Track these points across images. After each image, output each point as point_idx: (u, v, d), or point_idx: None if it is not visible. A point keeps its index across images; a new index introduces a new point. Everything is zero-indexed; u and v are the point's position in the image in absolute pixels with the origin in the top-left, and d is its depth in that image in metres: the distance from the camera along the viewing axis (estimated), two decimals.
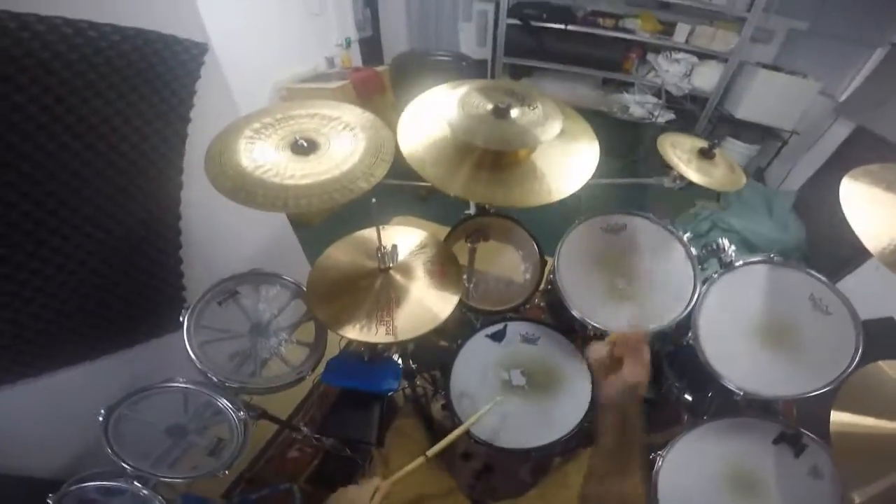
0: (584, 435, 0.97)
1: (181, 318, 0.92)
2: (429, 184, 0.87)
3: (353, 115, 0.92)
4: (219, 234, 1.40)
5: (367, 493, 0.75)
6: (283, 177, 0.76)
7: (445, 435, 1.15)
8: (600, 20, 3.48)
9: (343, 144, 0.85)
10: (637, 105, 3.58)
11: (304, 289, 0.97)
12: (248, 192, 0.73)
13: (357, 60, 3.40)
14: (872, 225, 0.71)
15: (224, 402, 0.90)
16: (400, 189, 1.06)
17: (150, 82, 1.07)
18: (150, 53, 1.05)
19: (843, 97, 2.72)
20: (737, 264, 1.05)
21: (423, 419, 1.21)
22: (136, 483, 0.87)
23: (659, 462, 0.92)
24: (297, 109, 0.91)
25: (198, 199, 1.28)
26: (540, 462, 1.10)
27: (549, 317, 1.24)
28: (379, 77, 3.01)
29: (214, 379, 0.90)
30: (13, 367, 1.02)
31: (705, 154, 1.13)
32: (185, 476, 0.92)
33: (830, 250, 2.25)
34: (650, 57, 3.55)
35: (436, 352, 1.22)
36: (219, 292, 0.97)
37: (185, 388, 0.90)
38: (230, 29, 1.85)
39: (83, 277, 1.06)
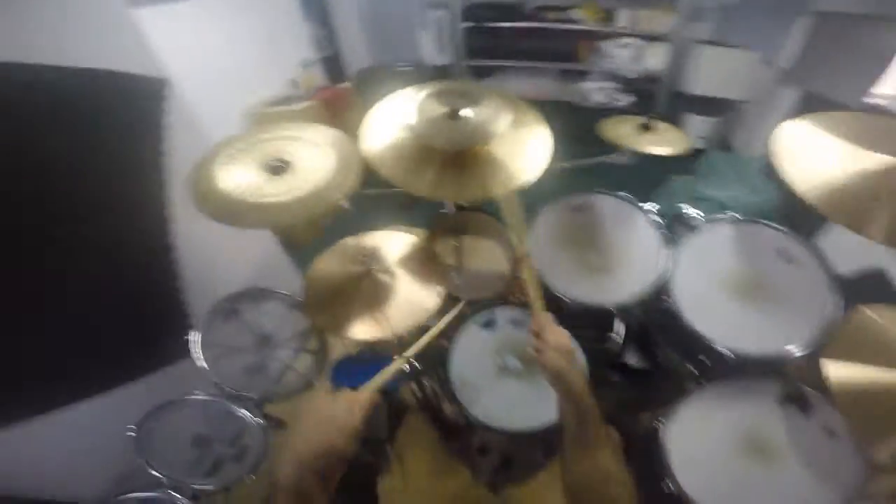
0: None
1: (187, 338, 0.99)
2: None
3: (318, 132, 0.98)
4: (215, 260, 1.45)
5: (345, 405, 0.64)
6: (265, 196, 0.82)
7: (458, 431, 1.18)
8: (548, 14, 3.61)
9: (313, 160, 0.91)
10: (596, 91, 3.71)
11: (300, 300, 1.03)
12: (233, 213, 0.79)
13: (321, 79, 3.45)
14: (806, 169, 0.73)
15: (242, 411, 0.97)
16: (382, 200, 1.12)
17: (118, 119, 1.12)
18: (111, 92, 1.10)
19: (788, 65, 2.88)
20: (700, 225, 1.09)
21: (435, 418, 1.23)
22: (173, 493, 0.90)
23: (661, 429, 0.90)
24: (264, 133, 0.96)
25: (189, 231, 1.33)
26: (549, 441, 1.11)
27: None
28: (344, 94, 3.07)
29: (230, 390, 0.97)
30: (48, 397, 1.06)
31: (645, 127, 1.23)
32: (214, 483, 0.95)
33: (805, 208, 2.36)
34: (602, 44, 3.69)
35: (437, 351, 1.27)
36: (219, 311, 1.02)
37: (204, 399, 0.97)
38: (189, 62, 1.88)
39: (86, 316, 1.10)
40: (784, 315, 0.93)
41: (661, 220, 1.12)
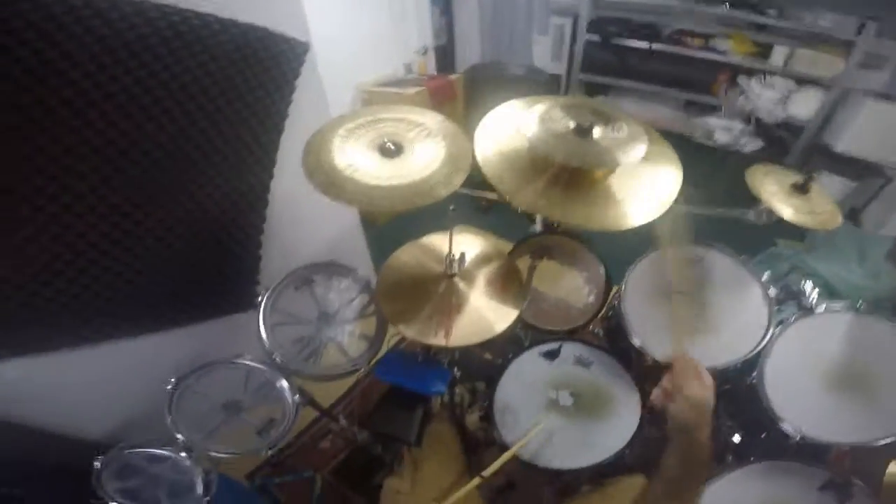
0: (619, 467, 0.95)
1: (259, 300, 0.99)
2: (492, 196, 0.89)
3: (436, 122, 0.97)
4: (298, 225, 1.50)
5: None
6: (371, 177, 0.82)
7: (477, 445, 1.17)
8: (688, 39, 3.30)
9: (425, 150, 0.89)
10: (723, 130, 3.34)
11: (373, 285, 1.02)
12: (339, 188, 0.79)
13: (432, 68, 3.51)
14: None
15: (283, 384, 0.96)
16: (462, 198, 1.09)
17: (258, 76, 1.18)
18: (259, 49, 1.15)
19: None
20: (818, 310, 1.01)
21: (456, 428, 1.21)
22: (181, 454, 0.90)
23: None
24: (385, 113, 0.96)
25: (284, 190, 1.38)
26: (567, 486, 1.08)
27: (605, 343, 1.21)
28: (452, 86, 3.09)
29: (279, 360, 0.96)
30: (103, 329, 1.13)
31: (799, 188, 1.05)
32: (231, 451, 0.96)
33: None
34: (741, 80, 3.30)
35: (480, 363, 1.22)
36: (296, 278, 1.04)
37: (251, 365, 0.96)
38: (327, 30, 1.98)
39: (176, 249, 1.16)
40: (873, 412, 0.90)
41: (773, 295, 1.03)
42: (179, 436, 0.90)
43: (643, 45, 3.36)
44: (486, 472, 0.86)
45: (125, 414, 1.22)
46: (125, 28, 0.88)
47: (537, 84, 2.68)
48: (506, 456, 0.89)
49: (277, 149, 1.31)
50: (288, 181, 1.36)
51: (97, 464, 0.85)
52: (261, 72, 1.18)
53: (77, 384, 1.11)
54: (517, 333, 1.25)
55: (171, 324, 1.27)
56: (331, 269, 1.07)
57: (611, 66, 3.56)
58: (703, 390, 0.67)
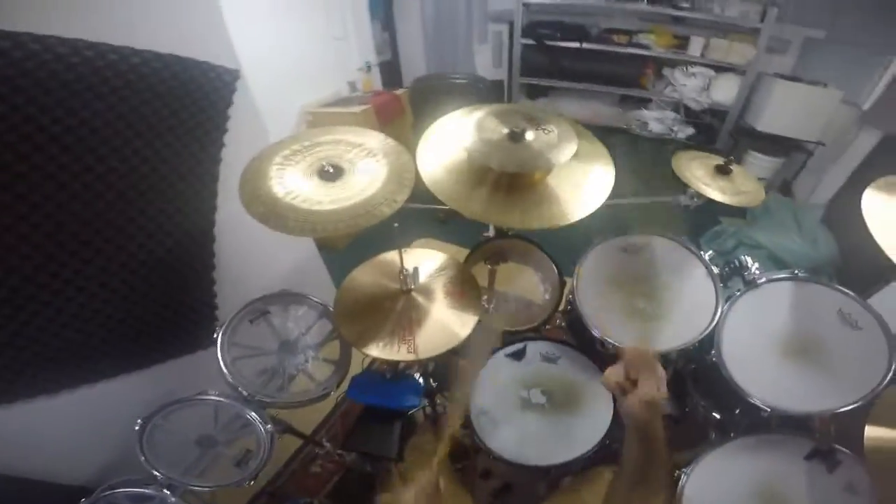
0: (602, 454, 0.97)
1: (215, 336, 0.97)
2: (445, 207, 0.90)
3: (376, 141, 0.97)
4: (250, 255, 1.46)
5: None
6: (312, 203, 0.81)
7: (464, 453, 1.17)
8: (614, 37, 3.51)
9: (366, 170, 0.89)
10: (656, 121, 3.56)
11: (331, 309, 1.01)
12: (280, 217, 0.77)
13: (377, 84, 3.52)
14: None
15: (253, 415, 0.95)
16: (420, 212, 1.10)
17: (187, 108, 1.15)
18: (186, 80, 1.12)
19: (867, 105, 2.64)
20: (760, 281, 1.03)
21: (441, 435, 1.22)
22: (165, 490, 0.90)
23: (683, 479, 0.90)
24: (323, 136, 0.96)
25: (230, 221, 1.34)
26: (554, 479, 1.10)
27: (570, 336, 1.25)
28: (398, 101, 3.10)
29: (245, 393, 0.95)
30: (58, 378, 1.08)
31: (722, 170, 1.13)
32: (212, 485, 0.96)
33: (863, 264, 2.17)
34: (666, 72, 3.54)
35: (455, 371, 1.23)
36: (251, 311, 1.02)
37: (217, 400, 0.95)
38: (259, 53, 1.94)
39: (126, 295, 1.12)
40: (833, 377, 0.91)
41: (717, 271, 1.08)
42: (157, 473, 0.90)
43: (574, 45, 3.53)
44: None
45: (104, 457, 1.20)
46: (36, 66, 0.83)
47: (480, 92, 2.74)
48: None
49: (217, 180, 1.27)
50: (234, 213, 1.32)
51: None
52: (190, 103, 1.15)
53: (47, 432, 1.10)
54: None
55: (132, 367, 1.23)
56: (286, 299, 1.05)
57: (547, 68, 3.72)
58: (653, 387, 0.67)
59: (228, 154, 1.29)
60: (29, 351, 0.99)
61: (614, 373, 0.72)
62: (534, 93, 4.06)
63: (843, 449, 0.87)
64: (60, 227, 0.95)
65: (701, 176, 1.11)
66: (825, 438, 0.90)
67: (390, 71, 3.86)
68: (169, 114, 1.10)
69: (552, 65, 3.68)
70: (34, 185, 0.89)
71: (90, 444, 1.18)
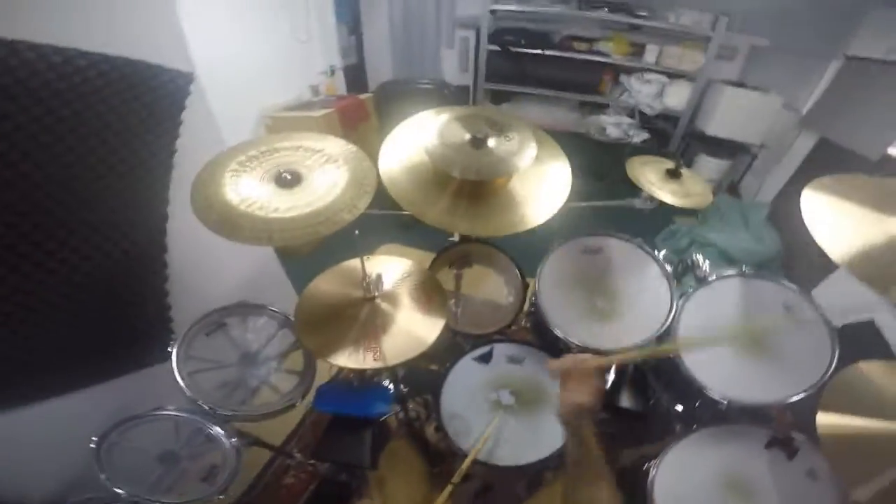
0: None
1: (169, 350, 0.93)
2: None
3: (337, 146, 0.95)
4: (206, 265, 1.40)
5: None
6: (268, 210, 0.78)
7: (441, 456, 1.18)
8: (575, 44, 3.63)
9: (326, 176, 0.87)
10: (613, 126, 3.70)
11: (292, 319, 0.98)
12: (234, 225, 0.75)
13: (341, 88, 3.46)
14: (834, 234, 0.73)
15: (215, 430, 0.92)
16: (385, 217, 1.09)
17: (136, 112, 1.09)
18: (137, 83, 1.07)
19: (805, 110, 2.86)
20: (710, 279, 1.09)
21: (418, 442, 1.21)
22: None
23: (653, 472, 0.92)
24: (281, 142, 0.93)
25: (184, 229, 1.28)
26: (534, 476, 1.11)
27: (534, 337, 1.27)
28: (363, 105, 3.06)
29: (205, 407, 0.92)
30: (5, 397, 1.00)
31: (672, 174, 1.19)
32: (180, 501, 0.93)
33: (805, 258, 2.34)
34: (623, 78, 3.69)
35: (426, 376, 1.23)
36: (207, 324, 0.98)
37: (176, 415, 0.91)
38: (216, 56, 1.85)
39: (71, 309, 1.05)
40: (784, 368, 0.96)
41: (671, 270, 1.12)
42: (120, 491, 0.87)
43: (537, 52, 3.62)
44: (455, 479, 0.88)
45: (66, 474, 1.13)
46: None
47: (446, 97, 2.76)
48: (468, 461, 0.92)
49: (168, 187, 1.21)
50: (188, 221, 1.25)
51: None
52: (139, 107, 1.09)
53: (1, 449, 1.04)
54: (458, 341, 1.27)
55: (85, 384, 1.16)
56: (244, 310, 1.01)
57: (511, 74, 3.79)
58: (581, 397, 0.72)
59: (183, 160, 1.23)
60: None
61: (555, 364, 0.79)
62: (498, 98, 4.12)
63: (801, 437, 0.91)
64: (10, 239, 0.89)
65: (654, 180, 1.16)
66: (782, 427, 0.94)
67: (356, 75, 3.82)
68: (116, 118, 1.04)
69: (516, 71, 3.76)
70: None
71: (51, 462, 1.12)
